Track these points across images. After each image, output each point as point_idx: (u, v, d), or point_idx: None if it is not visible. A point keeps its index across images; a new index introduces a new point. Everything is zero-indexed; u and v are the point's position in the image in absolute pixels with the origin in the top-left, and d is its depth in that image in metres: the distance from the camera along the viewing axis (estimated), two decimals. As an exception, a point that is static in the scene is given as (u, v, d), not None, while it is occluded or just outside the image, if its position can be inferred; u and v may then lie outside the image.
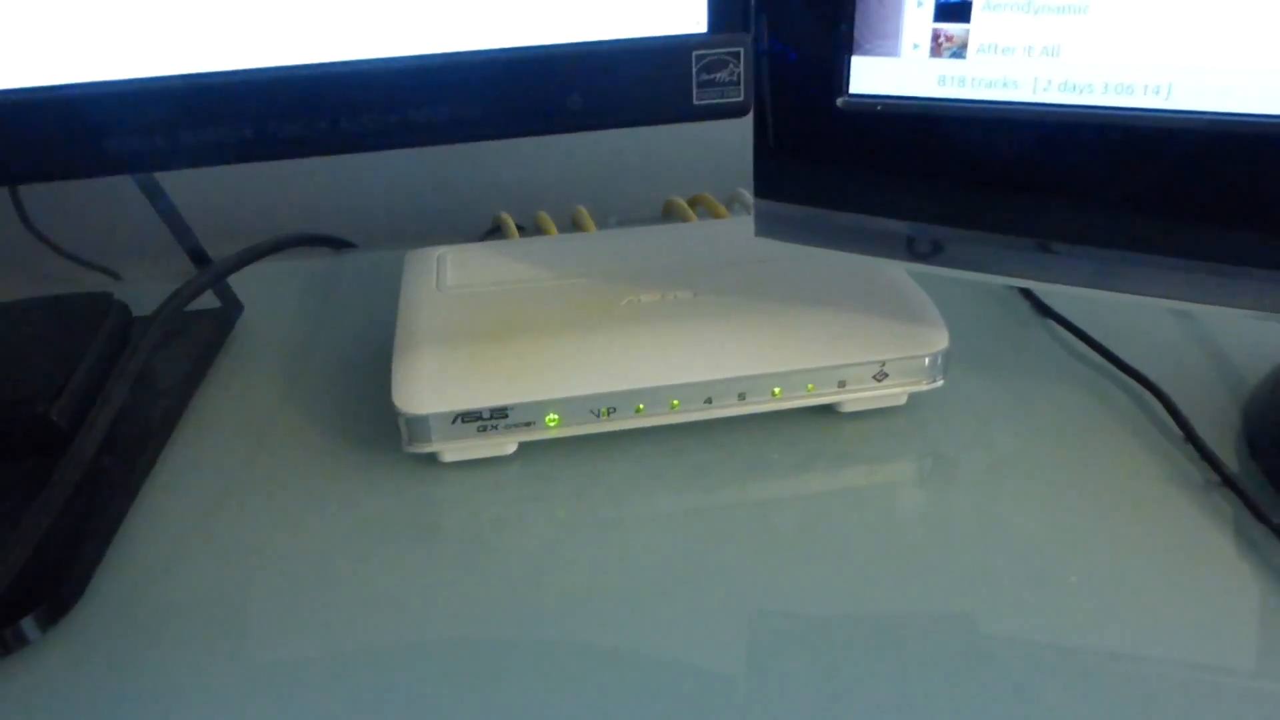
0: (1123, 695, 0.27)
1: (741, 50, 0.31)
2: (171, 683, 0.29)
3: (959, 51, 0.30)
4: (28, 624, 0.30)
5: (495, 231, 0.57)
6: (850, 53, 0.31)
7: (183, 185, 0.47)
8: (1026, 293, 0.47)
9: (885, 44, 0.30)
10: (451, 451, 0.36)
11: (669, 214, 0.57)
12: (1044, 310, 0.46)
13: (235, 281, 0.49)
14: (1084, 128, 0.29)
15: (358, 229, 0.61)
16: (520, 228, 0.56)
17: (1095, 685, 0.27)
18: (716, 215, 0.54)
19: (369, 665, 0.29)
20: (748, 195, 0.56)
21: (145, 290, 0.45)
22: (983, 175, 0.31)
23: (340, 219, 0.62)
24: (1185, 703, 0.27)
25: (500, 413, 0.35)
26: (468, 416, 0.35)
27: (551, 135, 0.32)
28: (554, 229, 0.53)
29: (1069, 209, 0.30)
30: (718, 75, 0.31)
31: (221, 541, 0.34)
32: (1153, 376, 0.40)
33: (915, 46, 0.30)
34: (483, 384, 0.35)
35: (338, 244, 0.58)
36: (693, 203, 0.56)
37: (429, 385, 0.35)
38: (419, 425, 0.35)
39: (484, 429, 0.35)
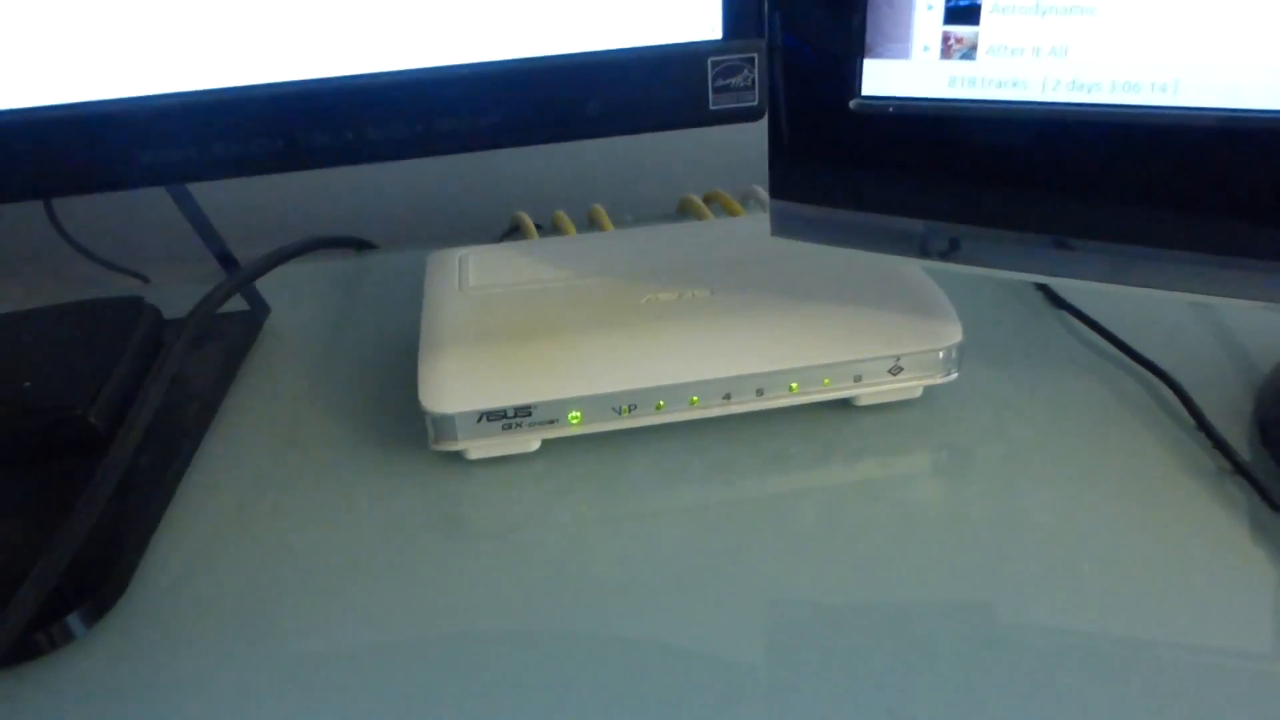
0: (1136, 682, 0.28)
1: (756, 56, 0.31)
2: (210, 677, 0.30)
3: (969, 53, 0.30)
4: (73, 620, 0.31)
5: (514, 231, 0.58)
6: (862, 56, 0.32)
7: (207, 191, 0.48)
8: (1040, 285, 0.48)
9: (896, 46, 0.31)
10: (477, 449, 0.37)
11: (684, 211, 0.57)
12: (1057, 302, 0.46)
13: (261, 284, 0.50)
14: (1093, 125, 0.30)
15: (377, 231, 0.62)
16: (538, 226, 0.56)
17: (1109, 672, 0.28)
18: (731, 212, 0.55)
19: (398, 659, 0.30)
20: (762, 192, 0.57)
21: (174, 293, 0.46)
22: (995, 174, 0.32)
23: (360, 221, 0.63)
24: (1198, 689, 0.27)
25: (524, 411, 0.36)
26: (492, 415, 0.36)
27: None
28: (572, 228, 0.54)
29: (1080, 205, 0.31)
30: (732, 81, 0.31)
31: (255, 538, 0.35)
32: (1165, 366, 0.40)
33: (926, 49, 0.31)
34: (507, 383, 0.36)
35: (359, 245, 0.59)
36: (708, 200, 0.57)
37: (455, 385, 0.36)
38: (445, 424, 0.36)
39: (508, 427, 0.36)
